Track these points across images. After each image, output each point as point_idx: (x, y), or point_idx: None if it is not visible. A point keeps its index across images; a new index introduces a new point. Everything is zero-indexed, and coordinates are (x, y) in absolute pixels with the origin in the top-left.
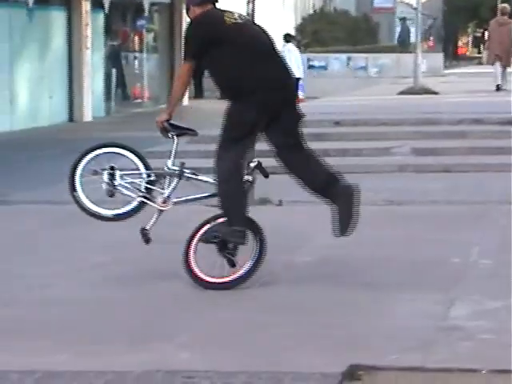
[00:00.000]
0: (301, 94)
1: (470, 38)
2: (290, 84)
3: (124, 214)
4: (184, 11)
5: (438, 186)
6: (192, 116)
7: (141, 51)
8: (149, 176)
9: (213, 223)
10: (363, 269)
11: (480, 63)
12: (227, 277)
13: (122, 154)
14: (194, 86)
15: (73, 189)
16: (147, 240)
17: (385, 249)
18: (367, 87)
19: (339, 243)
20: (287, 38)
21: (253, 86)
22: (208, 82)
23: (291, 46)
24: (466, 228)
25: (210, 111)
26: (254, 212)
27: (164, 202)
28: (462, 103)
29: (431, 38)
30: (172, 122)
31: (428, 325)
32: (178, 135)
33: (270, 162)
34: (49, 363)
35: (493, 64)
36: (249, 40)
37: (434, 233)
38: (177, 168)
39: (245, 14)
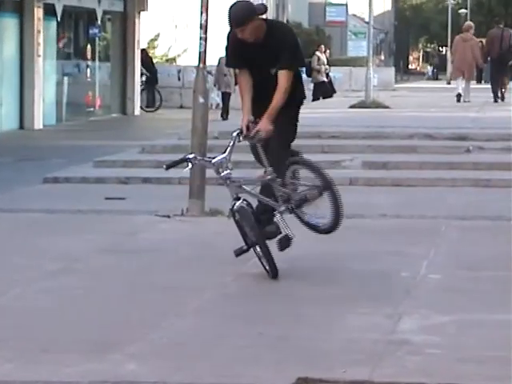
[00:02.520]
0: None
1: (421, 53)
2: None
3: None
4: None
5: (388, 200)
6: (144, 126)
7: (93, 59)
8: None
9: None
10: (313, 282)
11: (429, 78)
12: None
13: None
14: (146, 96)
15: None
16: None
17: (335, 262)
18: (320, 101)
19: (291, 256)
20: None
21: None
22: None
23: None
24: (416, 242)
25: (162, 121)
26: (204, 224)
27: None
28: (413, 118)
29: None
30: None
31: (377, 338)
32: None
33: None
34: None
35: (455, 79)
36: None
37: (384, 246)
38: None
39: (198, 24)
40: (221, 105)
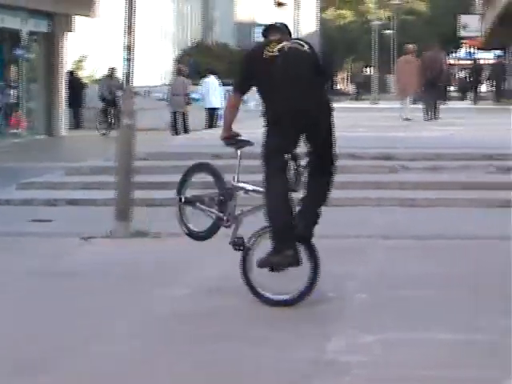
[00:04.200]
0: (220, 124)
1: (347, 74)
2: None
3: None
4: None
5: None
6: (70, 147)
7: (18, 81)
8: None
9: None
10: (237, 300)
11: (356, 98)
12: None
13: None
14: (73, 116)
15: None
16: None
17: None
18: (246, 120)
19: (217, 275)
20: (210, 71)
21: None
22: (86, 112)
23: (213, 78)
24: (342, 262)
25: (87, 142)
26: (129, 245)
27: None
28: (339, 138)
29: None
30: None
31: (304, 359)
32: (238, 148)
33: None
34: None
35: (402, 99)
36: (281, 71)
37: None
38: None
39: (125, 45)
40: (172, 124)
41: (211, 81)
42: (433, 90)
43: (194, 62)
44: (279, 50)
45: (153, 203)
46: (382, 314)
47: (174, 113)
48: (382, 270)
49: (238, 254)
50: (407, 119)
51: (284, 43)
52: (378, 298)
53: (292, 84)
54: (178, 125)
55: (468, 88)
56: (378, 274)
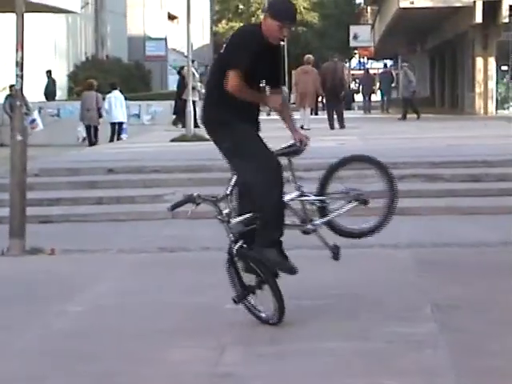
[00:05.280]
0: (124, 136)
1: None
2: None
3: None
4: None
5: (210, 233)
6: None
7: None
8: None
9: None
10: (135, 316)
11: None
12: None
13: None
14: None
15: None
16: None
17: (158, 295)
18: (140, 135)
19: (112, 292)
20: (113, 85)
21: None
22: None
23: (117, 92)
24: None
25: None
26: (25, 262)
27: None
28: None
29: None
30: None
31: (200, 371)
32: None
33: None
34: None
35: (299, 110)
36: None
37: (208, 279)
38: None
39: (15, 61)
40: (87, 138)
41: (115, 95)
42: (334, 99)
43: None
44: None
45: (47, 220)
46: (280, 325)
47: (88, 126)
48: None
49: (135, 270)
50: (307, 129)
51: None
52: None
53: None
54: (92, 138)
55: (353, 98)
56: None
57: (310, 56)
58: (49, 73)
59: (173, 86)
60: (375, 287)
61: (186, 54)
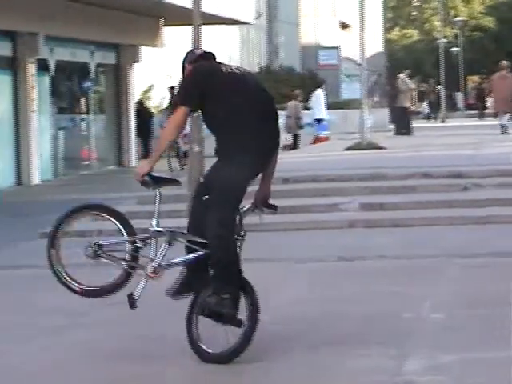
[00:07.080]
0: (324, 133)
1: (415, 93)
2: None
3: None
4: (130, 72)
5: (387, 241)
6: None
7: (87, 113)
8: (134, 243)
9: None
10: (319, 325)
11: (427, 118)
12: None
13: (104, 217)
14: (142, 146)
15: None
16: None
17: (336, 305)
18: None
19: (293, 301)
20: (319, 85)
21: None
22: (154, 142)
23: (320, 90)
24: (417, 282)
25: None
26: None
27: (154, 271)
28: (410, 157)
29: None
30: (153, 174)
31: (382, 380)
32: (159, 187)
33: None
34: None
35: (499, 115)
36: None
37: (385, 288)
38: (162, 229)
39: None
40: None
41: (318, 94)
42: None
43: None
44: (238, 69)
45: None
46: (459, 334)
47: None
48: (457, 289)
49: (314, 279)
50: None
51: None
52: (454, 318)
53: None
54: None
55: None
56: (453, 293)
57: (506, 62)
58: None
59: (347, 94)
60: None
61: (358, 62)
